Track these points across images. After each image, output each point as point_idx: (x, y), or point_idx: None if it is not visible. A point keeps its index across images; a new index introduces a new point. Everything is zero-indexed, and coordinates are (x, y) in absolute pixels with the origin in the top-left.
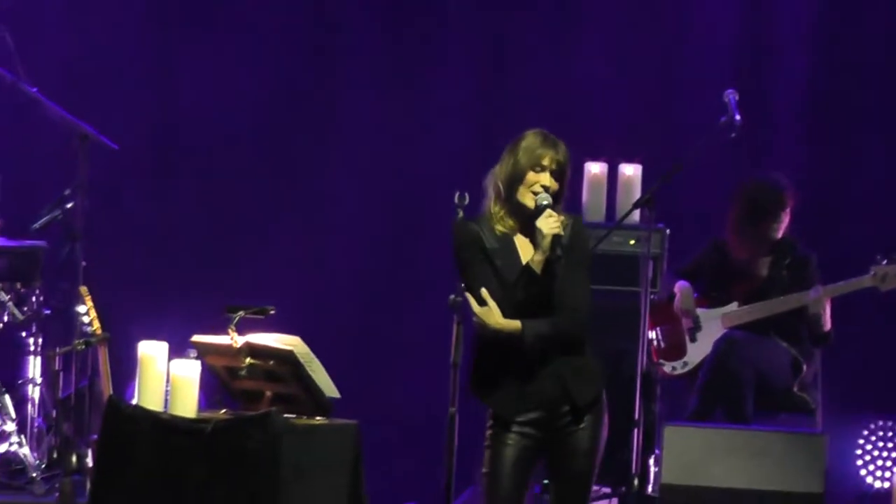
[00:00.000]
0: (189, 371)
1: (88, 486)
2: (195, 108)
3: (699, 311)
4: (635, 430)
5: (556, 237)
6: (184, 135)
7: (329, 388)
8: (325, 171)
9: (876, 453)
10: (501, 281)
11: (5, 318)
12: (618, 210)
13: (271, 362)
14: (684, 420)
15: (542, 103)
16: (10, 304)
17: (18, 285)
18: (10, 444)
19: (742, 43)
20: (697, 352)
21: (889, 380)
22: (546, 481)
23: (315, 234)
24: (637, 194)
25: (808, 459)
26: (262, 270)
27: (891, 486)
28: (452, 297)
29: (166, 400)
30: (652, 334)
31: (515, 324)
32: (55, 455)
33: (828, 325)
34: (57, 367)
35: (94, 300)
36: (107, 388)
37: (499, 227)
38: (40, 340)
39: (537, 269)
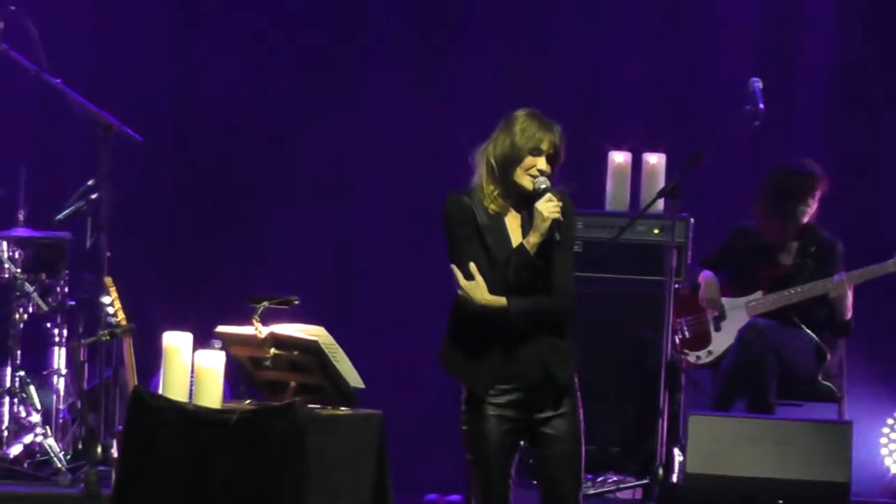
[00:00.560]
0: (213, 362)
1: (114, 476)
2: (218, 98)
3: (724, 300)
4: (660, 420)
5: (555, 221)
6: (207, 124)
7: (353, 378)
8: (350, 160)
9: None
10: (490, 259)
11: (31, 309)
12: (642, 199)
13: (295, 352)
14: (707, 409)
15: (566, 92)
16: (35, 295)
17: (43, 276)
18: (36, 435)
19: (766, 31)
20: (722, 341)
21: None
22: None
23: (340, 222)
24: (661, 183)
25: (833, 448)
26: (287, 260)
27: None
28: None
29: (191, 391)
30: (676, 324)
31: (501, 300)
32: (80, 446)
33: (849, 314)
34: (82, 358)
35: (118, 291)
36: (132, 378)
37: (491, 206)
38: (65, 331)
39: (531, 250)
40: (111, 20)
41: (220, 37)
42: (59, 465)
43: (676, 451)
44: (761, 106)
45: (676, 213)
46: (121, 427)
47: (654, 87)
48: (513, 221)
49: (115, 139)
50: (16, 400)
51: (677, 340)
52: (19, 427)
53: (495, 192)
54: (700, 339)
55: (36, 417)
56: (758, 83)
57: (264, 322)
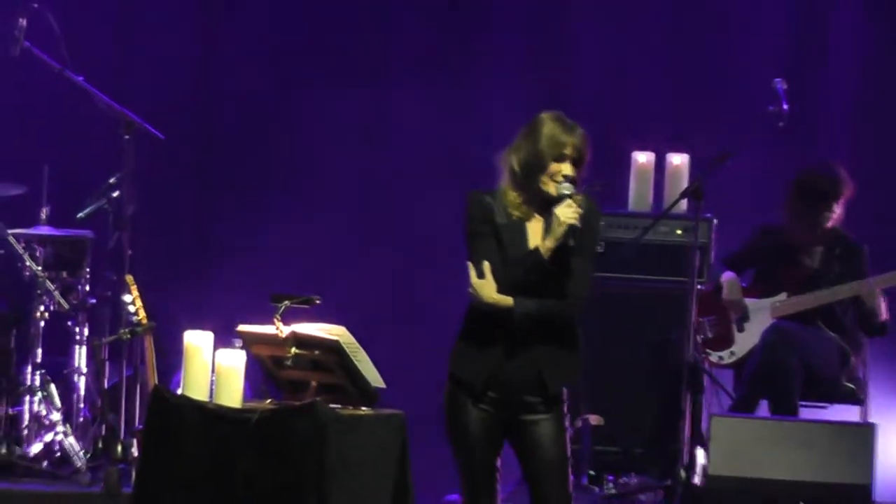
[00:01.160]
0: (234, 361)
1: (134, 475)
2: (240, 98)
3: (748, 301)
4: (682, 421)
5: (571, 227)
6: (230, 124)
7: (375, 377)
8: (372, 160)
9: None
10: (505, 259)
11: (52, 308)
12: (665, 200)
13: (317, 352)
14: (729, 410)
15: (588, 92)
16: (57, 293)
17: (65, 274)
18: (56, 434)
19: (792, 31)
20: (745, 342)
21: None
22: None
23: (363, 222)
24: (684, 184)
25: (856, 450)
26: (309, 259)
27: None
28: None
29: (212, 390)
30: (699, 324)
31: (507, 300)
32: (101, 445)
33: (884, 315)
34: (103, 357)
35: (139, 289)
36: (152, 377)
37: (515, 213)
38: (86, 330)
39: (545, 254)
40: (135, 17)
41: (243, 37)
42: (79, 464)
43: (699, 453)
44: (785, 106)
45: (700, 213)
46: (141, 426)
47: (677, 86)
48: (535, 226)
49: (138, 137)
50: (37, 398)
51: (700, 341)
52: (40, 425)
53: (519, 199)
54: (723, 340)
55: (56, 416)
56: (782, 84)
57: (286, 321)
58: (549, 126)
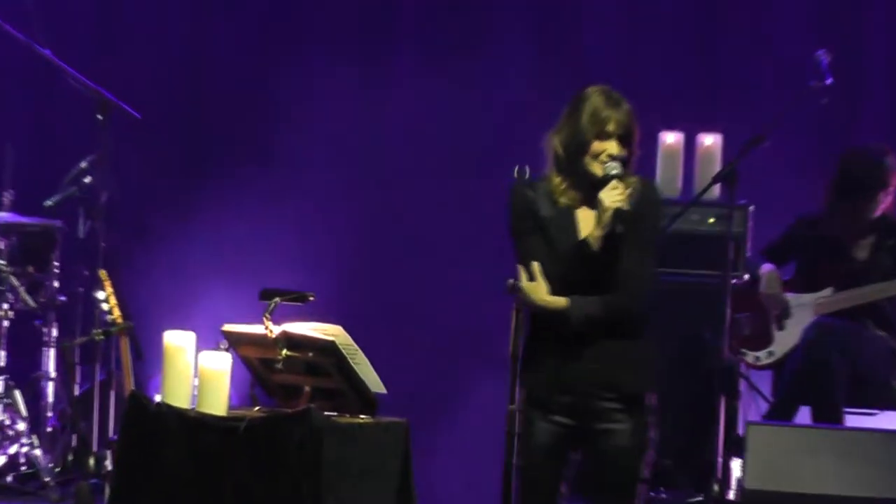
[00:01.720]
0: (219, 364)
1: (108, 491)
2: (228, 80)
3: (788, 296)
4: (715, 429)
5: (618, 211)
6: (215, 106)
7: (374, 382)
8: (372, 145)
9: None
10: (553, 254)
11: (17, 306)
12: (695, 185)
13: (311, 354)
14: (766, 417)
15: (612, 66)
16: (22, 289)
17: (31, 269)
18: (22, 446)
19: None
20: (785, 341)
21: None
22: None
23: (360, 211)
24: (717, 167)
25: None
26: (301, 252)
27: None
28: (511, 281)
29: (194, 396)
30: (734, 322)
31: (561, 301)
32: (71, 457)
33: None
34: (74, 360)
35: (114, 285)
36: (128, 382)
37: (561, 199)
38: (55, 330)
39: (595, 245)
40: None
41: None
42: (47, 479)
43: (733, 465)
44: (829, 81)
45: (734, 200)
46: (116, 436)
47: (709, 58)
48: (586, 214)
49: (113, 117)
50: (0, 406)
51: (735, 340)
52: (4, 436)
53: (563, 185)
54: (761, 339)
55: (22, 426)
56: (825, 56)
57: (276, 320)
58: (591, 101)
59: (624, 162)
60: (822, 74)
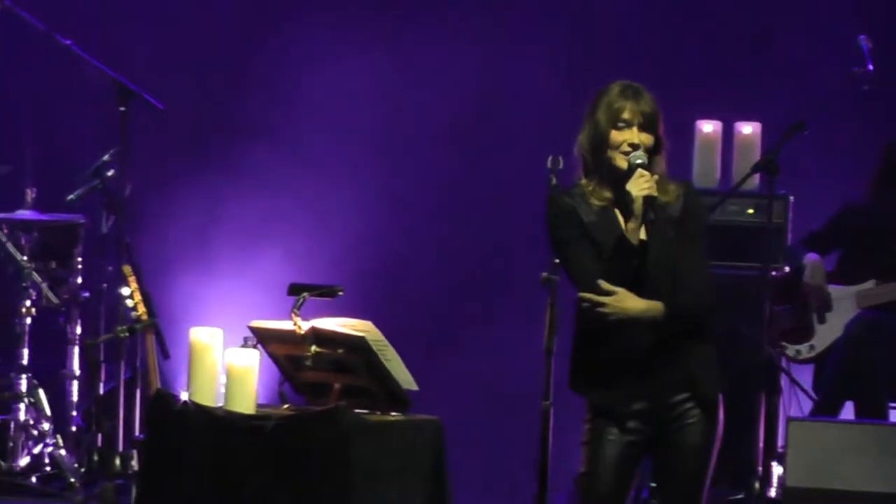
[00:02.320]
0: (247, 361)
1: (134, 492)
2: (253, 71)
3: (830, 288)
4: (755, 426)
5: (648, 199)
6: (241, 97)
7: (406, 379)
8: (398, 139)
9: None
10: (602, 258)
11: (39, 303)
12: (734, 174)
13: (340, 350)
14: (810, 414)
15: (645, 54)
16: (45, 286)
17: (53, 265)
18: (46, 446)
19: None
20: (827, 334)
21: None
22: (653, 484)
23: (388, 205)
24: (756, 156)
25: None
26: (330, 246)
27: None
28: (545, 274)
29: (221, 394)
30: (774, 314)
31: (657, 305)
32: (96, 457)
33: None
34: (98, 358)
35: (138, 281)
36: (154, 380)
37: (594, 202)
38: (78, 328)
39: (633, 239)
40: None
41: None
42: (72, 480)
43: (775, 462)
44: (870, 67)
45: (774, 190)
46: (141, 436)
47: (747, 44)
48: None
49: (136, 109)
50: (23, 406)
51: (775, 334)
52: (27, 436)
53: (593, 185)
54: (802, 332)
55: (46, 425)
56: (867, 41)
57: (305, 316)
58: (607, 95)
59: (649, 151)
60: (864, 60)
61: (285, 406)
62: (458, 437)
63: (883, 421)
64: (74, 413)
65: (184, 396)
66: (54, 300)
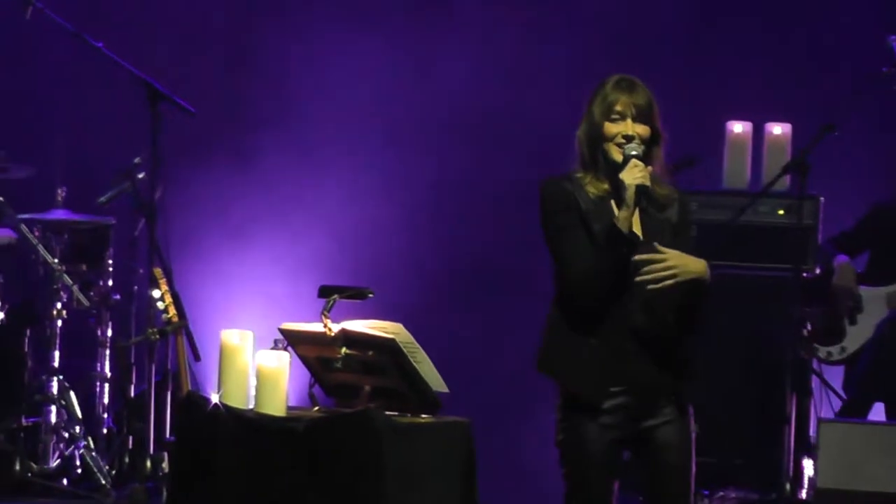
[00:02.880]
0: (277, 363)
1: (165, 494)
2: (281, 76)
3: (861, 289)
4: (786, 427)
5: (640, 188)
6: (270, 104)
7: (436, 381)
8: (424, 142)
9: None
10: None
11: (70, 305)
12: (764, 175)
13: (370, 352)
14: (840, 415)
15: (677, 55)
16: (75, 288)
17: (84, 267)
18: (77, 448)
19: None
20: (858, 336)
21: None
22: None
23: (417, 208)
24: (786, 157)
25: None
26: (360, 249)
27: None
28: None
29: (252, 396)
30: (804, 316)
31: (704, 266)
32: (127, 460)
33: None
34: (128, 360)
35: (169, 283)
36: (185, 382)
37: (591, 190)
38: (109, 330)
39: (623, 227)
40: None
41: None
42: (103, 482)
43: (805, 463)
44: None
45: (804, 190)
46: (172, 438)
47: (777, 46)
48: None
49: (167, 112)
50: (54, 408)
51: (805, 335)
52: (58, 438)
53: (588, 178)
54: (832, 333)
55: (77, 428)
56: None
57: (335, 318)
58: (602, 89)
59: (645, 143)
60: (893, 60)
61: (315, 408)
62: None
63: None
64: (105, 415)
65: (214, 398)
66: (85, 302)
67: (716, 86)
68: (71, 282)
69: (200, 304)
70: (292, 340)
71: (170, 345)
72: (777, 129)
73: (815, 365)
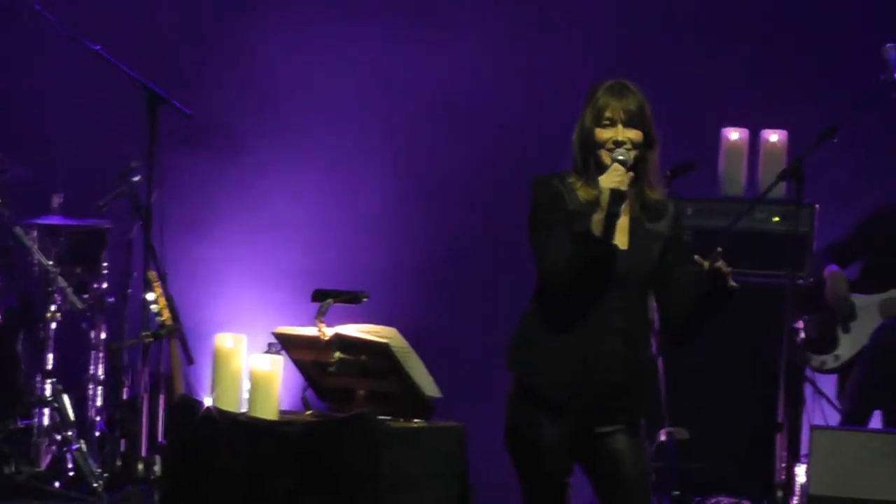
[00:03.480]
0: (271, 367)
1: (157, 497)
2: (281, 79)
3: (854, 296)
4: (778, 435)
5: (614, 192)
6: (271, 107)
7: (429, 385)
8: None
9: None
10: None
11: (65, 307)
12: (760, 182)
13: (364, 356)
14: (839, 424)
15: (672, 61)
16: (70, 290)
17: (79, 269)
18: (70, 451)
19: None
20: (852, 344)
21: None
22: None
23: (413, 208)
24: (782, 165)
25: None
26: (353, 251)
27: None
28: None
29: (245, 400)
30: (798, 324)
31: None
32: (119, 463)
33: None
34: (122, 363)
35: (163, 287)
36: (178, 385)
37: (582, 194)
38: (103, 333)
39: (596, 229)
40: None
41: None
42: (95, 485)
43: (798, 471)
44: None
45: (800, 198)
46: (165, 441)
47: (773, 53)
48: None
49: (164, 114)
50: (47, 410)
51: (799, 343)
52: (51, 441)
53: (580, 183)
54: (825, 341)
55: (70, 430)
56: (893, 49)
57: (329, 322)
58: (594, 93)
59: (638, 147)
60: (891, 68)
61: (308, 412)
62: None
63: None
64: (98, 418)
65: (207, 402)
66: (79, 305)
67: (712, 93)
68: (66, 284)
69: (194, 308)
70: (286, 344)
71: (163, 348)
72: (773, 136)
73: (808, 373)
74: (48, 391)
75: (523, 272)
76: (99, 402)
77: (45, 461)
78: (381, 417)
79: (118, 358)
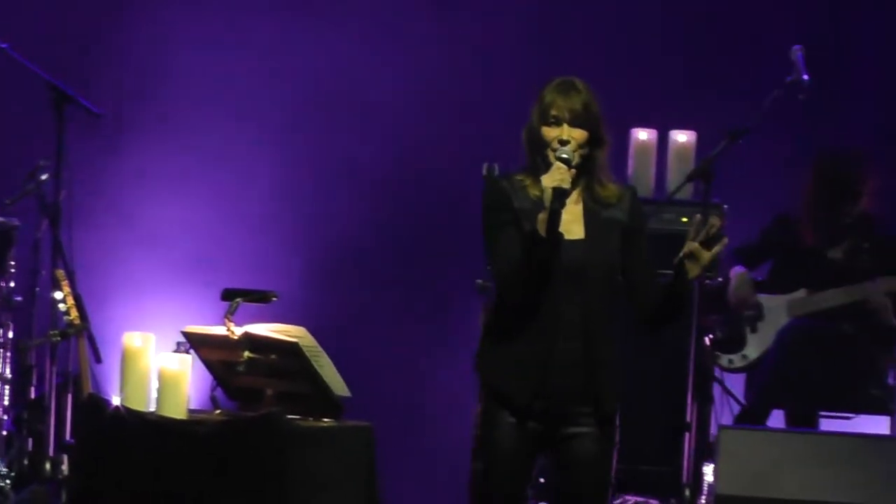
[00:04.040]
0: (179, 366)
1: (64, 496)
2: (193, 72)
3: (762, 297)
4: (687, 434)
5: (556, 190)
6: (178, 103)
7: (338, 385)
8: (335, 138)
9: None
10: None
11: None
12: (668, 183)
13: (273, 356)
14: (738, 421)
15: (583, 59)
16: None
17: None
18: None
19: None
20: (759, 344)
21: None
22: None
23: (323, 208)
24: (691, 165)
25: (885, 467)
26: (263, 250)
27: None
28: (480, 281)
29: (154, 399)
30: (707, 324)
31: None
32: (26, 461)
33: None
34: (29, 362)
35: (71, 285)
36: (86, 384)
37: (531, 192)
38: (10, 332)
39: (540, 228)
40: None
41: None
42: (2, 484)
43: (706, 470)
44: (805, 77)
45: (709, 199)
46: (73, 440)
47: (682, 52)
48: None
49: (73, 113)
50: None
51: (708, 342)
52: None
53: (529, 180)
54: (733, 341)
55: None
56: (801, 51)
57: (238, 321)
58: (542, 91)
59: (584, 147)
60: (798, 70)
61: (217, 411)
62: (387, 442)
63: (813, 429)
64: (5, 417)
65: (115, 401)
66: None
67: (621, 93)
68: None
69: (103, 307)
70: (195, 343)
71: (71, 347)
72: (682, 136)
73: (716, 372)
74: None
75: (429, 268)
76: (6, 402)
77: None
78: (290, 417)
79: (25, 357)
